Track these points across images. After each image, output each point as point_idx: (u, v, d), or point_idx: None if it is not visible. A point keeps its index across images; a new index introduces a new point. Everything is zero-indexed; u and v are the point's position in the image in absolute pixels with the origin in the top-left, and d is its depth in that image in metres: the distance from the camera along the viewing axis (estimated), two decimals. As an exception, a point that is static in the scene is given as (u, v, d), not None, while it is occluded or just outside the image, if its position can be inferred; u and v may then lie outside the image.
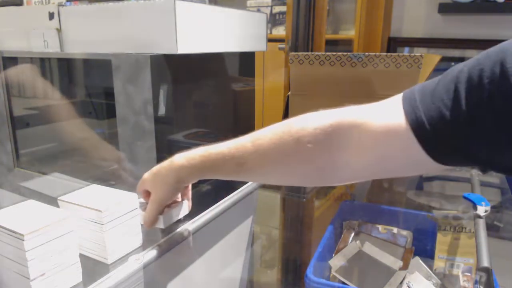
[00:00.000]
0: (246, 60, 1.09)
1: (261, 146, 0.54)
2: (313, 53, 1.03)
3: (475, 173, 1.08)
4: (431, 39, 1.98)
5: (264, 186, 0.95)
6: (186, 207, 0.70)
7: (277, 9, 2.23)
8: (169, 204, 0.68)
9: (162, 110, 0.78)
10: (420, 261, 0.81)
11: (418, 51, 2.07)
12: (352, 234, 0.87)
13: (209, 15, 0.82)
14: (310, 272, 0.69)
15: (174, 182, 0.61)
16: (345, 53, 1.01)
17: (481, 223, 0.77)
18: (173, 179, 0.60)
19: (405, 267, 0.79)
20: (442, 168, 0.45)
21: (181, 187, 0.63)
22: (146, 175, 0.64)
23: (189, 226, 0.69)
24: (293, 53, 1.04)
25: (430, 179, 1.20)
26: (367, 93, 1.02)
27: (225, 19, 0.87)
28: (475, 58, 0.41)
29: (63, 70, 1.19)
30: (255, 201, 0.96)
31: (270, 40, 1.08)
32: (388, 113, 0.46)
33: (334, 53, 1.02)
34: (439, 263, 0.83)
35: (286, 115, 1.10)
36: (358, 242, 0.83)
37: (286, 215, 1.10)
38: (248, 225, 0.95)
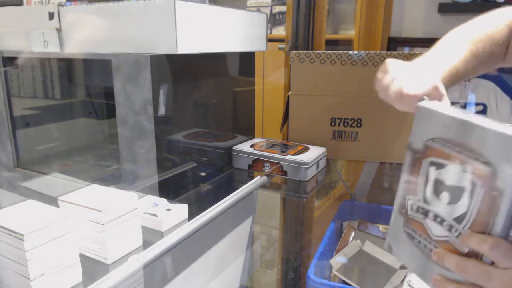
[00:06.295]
0: (246, 60, 1.09)
1: None
2: (314, 51, 1.03)
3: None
4: (431, 39, 1.98)
5: (264, 186, 0.95)
6: (185, 211, 0.71)
7: (277, 9, 2.23)
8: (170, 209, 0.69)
9: (162, 110, 0.78)
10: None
11: (418, 51, 2.06)
12: (353, 234, 0.87)
13: (209, 15, 0.82)
14: (311, 272, 0.69)
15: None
16: (345, 52, 1.01)
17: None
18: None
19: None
20: None
21: None
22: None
23: (189, 226, 0.69)
24: (294, 51, 1.05)
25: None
26: (367, 92, 1.02)
27: (225, 19, 0.87)
28: None
29: (63, 70, 1.19)
30: (255, 201, 0.96)
31: (270, 40, 1.08)
32: None
33: (335, 51, 1.02)
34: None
35: (286, 115, 1.10)
36: (358, 241, 0.83)
37: (286, 215, 1.10)
38: (248, 225, 0.95)
